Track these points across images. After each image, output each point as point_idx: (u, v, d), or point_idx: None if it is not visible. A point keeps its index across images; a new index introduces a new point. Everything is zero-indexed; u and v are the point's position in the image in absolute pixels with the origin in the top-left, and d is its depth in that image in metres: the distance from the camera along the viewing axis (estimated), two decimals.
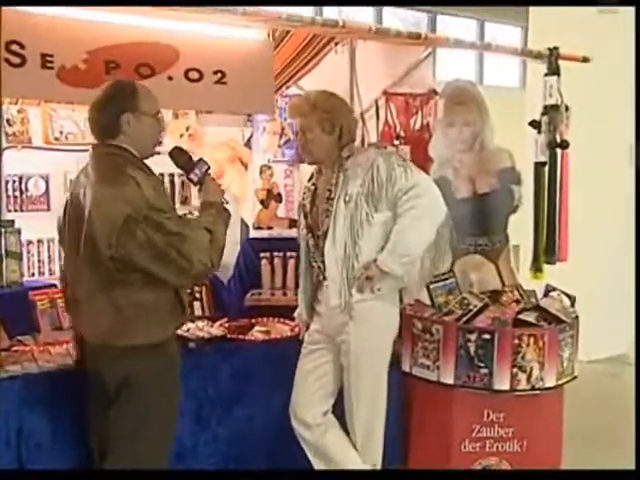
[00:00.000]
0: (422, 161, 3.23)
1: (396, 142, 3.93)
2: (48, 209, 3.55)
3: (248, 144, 4.07)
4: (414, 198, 2.33)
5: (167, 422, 2.13)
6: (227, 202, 2.16)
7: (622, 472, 2.45)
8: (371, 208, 2.36)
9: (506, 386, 2.55)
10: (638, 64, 2.90)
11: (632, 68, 3.93)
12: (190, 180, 2.19)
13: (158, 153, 2.19)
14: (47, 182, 3.58)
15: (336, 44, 3.63)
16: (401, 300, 2.58)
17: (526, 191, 3.05)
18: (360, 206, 2.36)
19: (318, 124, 2.39)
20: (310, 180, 2.58)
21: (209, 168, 2.19)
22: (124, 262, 1.95)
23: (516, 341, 2.54)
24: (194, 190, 4.05)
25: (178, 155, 2.20)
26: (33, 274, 3.50)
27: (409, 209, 2.33)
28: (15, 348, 2.57)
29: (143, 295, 2.01)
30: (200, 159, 2.20)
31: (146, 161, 2.13)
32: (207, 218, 2.09)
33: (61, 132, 3.60)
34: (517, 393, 2.56)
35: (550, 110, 3.01)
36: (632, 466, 2.41)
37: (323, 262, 2.43)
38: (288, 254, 3.59)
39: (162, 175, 3.84)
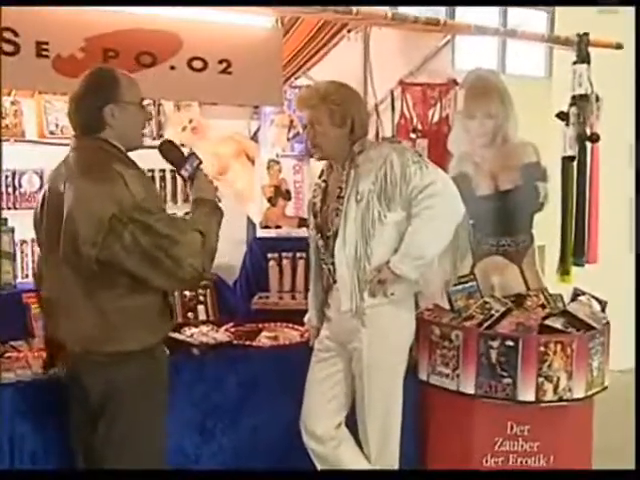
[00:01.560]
0: (440, 156, 3.22)
1: (413, 136, 3.93)
2: None
3: (255, 138, 4.07)
4: (430, 197, 2.32)
5: (156, 434, 2.11)
6: (220, 200, 2.13)
7: (622, 472, 2.44)
8: (384, 207, 2.35)
9: (531, 397, 2.53)
10: (638, 64, 2.91)
11: (632, 68, 3.91)
12: (181, 176, 2.16)
13: (143, 146, 2.15)
14: (42, 178, 3.59)
15: (349, 31, 3.62)
16: (417, 305, 2.57)
17: (553, 188, 3.04)
18: (372, 205, 2.35)
19: (328, 117, 2.39)
20: (320, 177, 2.58)
21: (201, 163, 2.15)
22: (109, 264, 1.91)
23: (542, 349, 2.52)
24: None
25: (168, 149, 2.16)
26: (27, 275, 3.51)
27: (424, 209, 2.32)
28: (8, 354, 2.58)
29: (129, 299, 1.97)
30: (191, 153, 2.17)
31: (141, 156, 2.10)
32: (199, 217, 2.05)
33: (56, 125, 3.61)
34: (543, 404, 2.55)
35: (579, 100, 2.99)
36: None
37: (333, 264, 2.43)
38: (297, 255, 3.59)
39: (163, 171, 3.87)
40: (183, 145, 3.85)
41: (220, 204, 2.12)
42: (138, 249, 1.90)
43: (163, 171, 3.85)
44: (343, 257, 2.39)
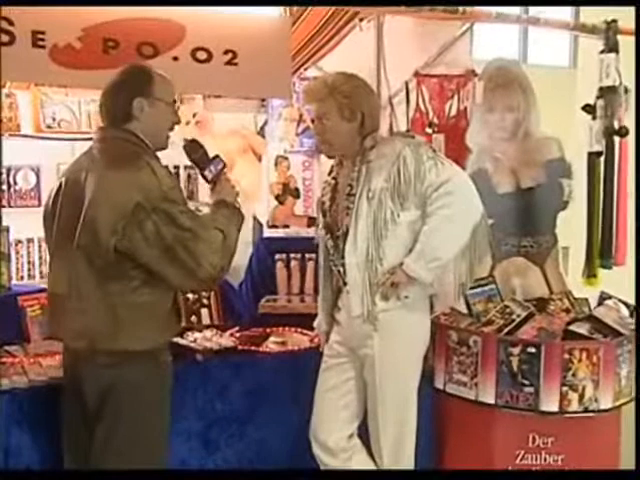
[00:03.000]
0: (458, 152, 3.22)
1: (429, 130, 3.92)
2: (39, 204, 3.56)
3: (262, 132, 4.08)
4: (445, 195, 2.31)
5: (155, 444, 2.13)
6: (240, 205, 2.20)
7: (622, 472, 2.43)
8: (397, 206, 2.35)
9: (555, 407, 2.52)
10: (638, 64, 2.92)
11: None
12: (204, 177, 2.23)
13: (166, 148, 2.21)
14: (38, 174, 3.62)
15: (361, 20, 3.62)
16: (432, 308, 2.57)
17: (578, 185, 3.02)
18: (384, 203, 2.34)
19: (337, 110, 2.38)
20: (330, 174, 2.57)
21: (225, 166, 2.24)
22: (126, 255, 1.97)
23: (566, 356, 2.51)
24: (202, 184, 4.07)
25: (194, 148, 2.23)
26: (22, 277, 3.54)
27: (440, 208, 2.31)
28: (3, 360, 2.58)
29: (140, 295, 2.03)
30: (216, 156, 2.24)
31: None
32: (220, 219, 2.11)
33: (53, 119, 3.63)
34: (567, 415, 2.54)
35: (607, 92, 2.98)
36: None
37: (343, 266, 2.42)
38: (307, 256, 3.58)
39: (166, 167, 3.88)
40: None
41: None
42: (158, 241, 1.95)
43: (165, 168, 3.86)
44: (354, 259, 2.39)
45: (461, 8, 3.14)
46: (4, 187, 3.50)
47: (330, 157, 2.56)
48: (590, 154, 3.04)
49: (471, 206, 2.37)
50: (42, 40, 2.84)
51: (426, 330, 2.50)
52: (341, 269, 2.44)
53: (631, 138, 3.07)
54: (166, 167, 2.11)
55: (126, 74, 2.14)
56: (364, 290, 2.38)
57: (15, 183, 3.55)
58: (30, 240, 3.59)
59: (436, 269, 2.35)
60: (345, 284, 2.45)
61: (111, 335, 2.02)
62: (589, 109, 3.03)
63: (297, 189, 3.91)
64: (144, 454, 2.08)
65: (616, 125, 3.01)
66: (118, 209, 1.94)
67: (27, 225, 3.40)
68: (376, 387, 2.42)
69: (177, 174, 3.96)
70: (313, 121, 2.49)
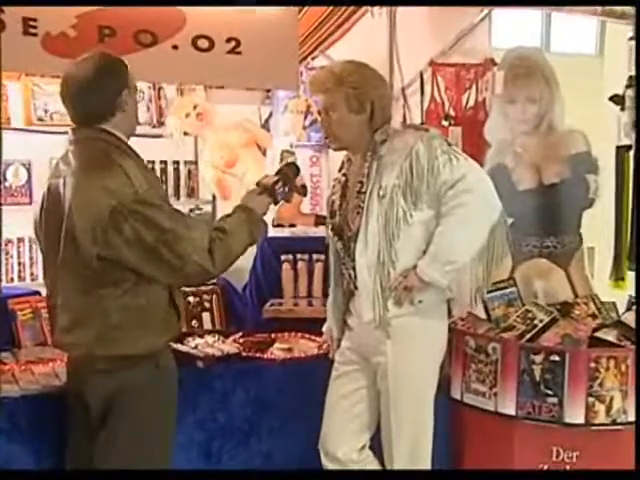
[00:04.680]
0: (476, 146, 3.21)
1: (444, 123, 3.91)
2: (30, 202, 3.59)
3: (266, 125, 4.08)
4: (462, 194, 2.29)
5: (161, 446, 2.16)
6: (266, 224, 2.31)
7: (622, 472, 2.42)
8: (409, 205, 2.33)
9: (580, 419, 2.51)
10: (638, 64, 2.92)
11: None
12: (276, 195, 2.33)
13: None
14: (29, 170, 3.63)
15: (372, 5, 3.62)
16: (449, 313, 2.56)
17: (605, 181, 3.01)
18: (396, 202, 2.33)
19: (344, 102, 2.37)
20: (340, 170, 2.57)
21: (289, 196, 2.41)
22: (112, 261, 2.00)
23: (592, 364, 2.50)
24: (202, 182, 4.08)
25: (291, 172, 2.41)
26: (12, 279, 3.55)
27: (456, 207, 2.30)
28: None
29: (132, 297, 2.06)
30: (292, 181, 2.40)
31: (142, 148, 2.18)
32: (230, 218, 2.16)
33: (45, 111, 3.64)
34: (594, 428, 2.53)
35: (636, 81, 2.96)
36: None
37: (354, 269, 2.42)
38: (314, 256, 3.59)
39: (165, 163, 3.89)
40: (187, 134, 3.89)
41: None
42: (140, 243, 1.97)
43: (164, 163, 3.88)
44: (364, 261, 2.38)
45: None
46: None
47: (339, 151, 2.55)
48: (618, 148, 3.03)
49: (488, 205, 2.35)
50: (34, 28, 2.86)
51: (443, 337, 2.49)
52: (352, 272, 2.44)
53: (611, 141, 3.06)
54: (142, 163, 2.12)
55: (103, 64, 2.10)
56: (375, 294, 2.37)
57: (5, 179, 3.56)
58: (20, 240, 3.61)
59: (451, 272, 2.34)
60: (356, 287, 2.44)
61: (108, 341, 2.05)
62: (617, 100, 3.02)
63: (304, 186, 3.88)
64: (147, 459, 2.11)
65: None
66: (95, 216, 1.97)
67: (17, 223, 3.40)
68: (389, 397, 2.41)
69: (177, 170, 3.97)
70: (320, 113, 2.49)
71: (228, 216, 2.19)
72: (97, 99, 2.08)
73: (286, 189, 2.35)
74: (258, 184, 2.34)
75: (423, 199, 2.33)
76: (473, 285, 2.44)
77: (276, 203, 2.34)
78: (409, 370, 2.39)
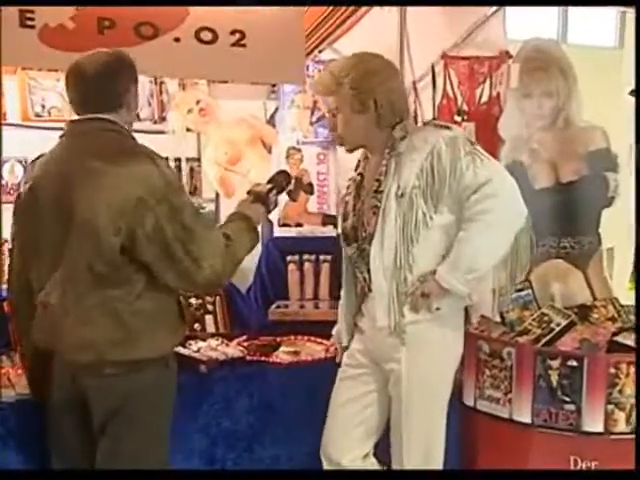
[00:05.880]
0: (490, 142, 3.20)
1: (457, 118, 3.91)
2: None
3: (272, 121, 4.08)
4: (487, 198, 2.26)
5: (165, 448, 2.21)
6: (271, 223, 2.31)
7: (622, 472, 2.41)
8: (430, 207, 2.31)
9: (599, 427, 2.51)
10: (638, 64, 2.91)
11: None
12: (267, 203, 2.39)
13: None
14: (26, 167, 3.63)
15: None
16: (468, 320, 2.55)
17: (625, 179, 3.00)
18: (416, 203, 2.30)
19: (347, 103, 2.35)
20: (356, 169, 2.54)
21: (276, 206, 2.52)
22: (130, 255, 2.03)
23: (612, 370, 2.49)
24: (205, 179, 4.09)
25: (283, 180, 2.49)
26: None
27: (480, 213, 2.26)
28: None
29: (145, 301, 2.09)
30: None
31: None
32: (232, 226, 2.21)
33: (43, 106, 3.65)
34: (613, 437, 2.52)
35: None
36: None
37: (369, 272, 2.40)
38: (321, 257, 3.59)
39: (166, 159, 3.90)
40: (189, 130, 3.89)
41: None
42: (159, 237, 2.01)
43: (166, 160, 3.88)
44: (380, 264, 2.36)
45: None
46: None
47: (351, 152, 2.53)
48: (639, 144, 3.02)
49: (514, 211, 2.32)
50: (31, 20, 2.87)
51: (459, 345, 2.47)
52: (366, 275, 2.42)
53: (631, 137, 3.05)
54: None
55: (122, 59, 2.18)
56: (391, 300, 2.35)
57: (0, 177, 3.57)
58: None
59: (473, 281, 2.31)
60: (370, 290, 2.43)
61: (121, 344, 2.07)
62: (637, 94, 3.02)
63: (311, 184, 3.91)
64: (153, 461, 2.15)
65: None
66: (118, 207, 1.99)
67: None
68: (401, 404, 2.40)
69: (179, 167, 3.97)
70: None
71: (227, 223, 2.24)
72: (111, 89, 2.14)
73: (278, 198, 2.46)
74: (250, 192, 2.39)
75: (444, 202, 2.31)
76: (496, 293, 2.43)
77: (269, 212, 2.42)
78: (423, 379, 2.39)
